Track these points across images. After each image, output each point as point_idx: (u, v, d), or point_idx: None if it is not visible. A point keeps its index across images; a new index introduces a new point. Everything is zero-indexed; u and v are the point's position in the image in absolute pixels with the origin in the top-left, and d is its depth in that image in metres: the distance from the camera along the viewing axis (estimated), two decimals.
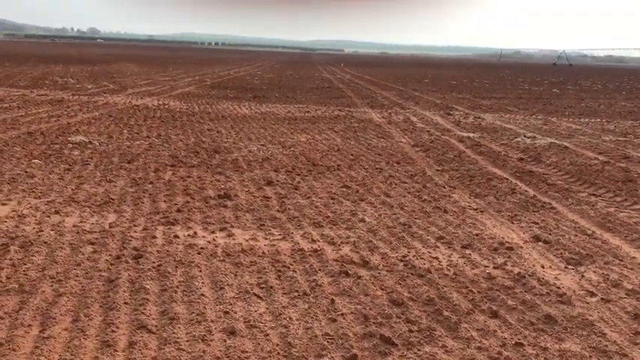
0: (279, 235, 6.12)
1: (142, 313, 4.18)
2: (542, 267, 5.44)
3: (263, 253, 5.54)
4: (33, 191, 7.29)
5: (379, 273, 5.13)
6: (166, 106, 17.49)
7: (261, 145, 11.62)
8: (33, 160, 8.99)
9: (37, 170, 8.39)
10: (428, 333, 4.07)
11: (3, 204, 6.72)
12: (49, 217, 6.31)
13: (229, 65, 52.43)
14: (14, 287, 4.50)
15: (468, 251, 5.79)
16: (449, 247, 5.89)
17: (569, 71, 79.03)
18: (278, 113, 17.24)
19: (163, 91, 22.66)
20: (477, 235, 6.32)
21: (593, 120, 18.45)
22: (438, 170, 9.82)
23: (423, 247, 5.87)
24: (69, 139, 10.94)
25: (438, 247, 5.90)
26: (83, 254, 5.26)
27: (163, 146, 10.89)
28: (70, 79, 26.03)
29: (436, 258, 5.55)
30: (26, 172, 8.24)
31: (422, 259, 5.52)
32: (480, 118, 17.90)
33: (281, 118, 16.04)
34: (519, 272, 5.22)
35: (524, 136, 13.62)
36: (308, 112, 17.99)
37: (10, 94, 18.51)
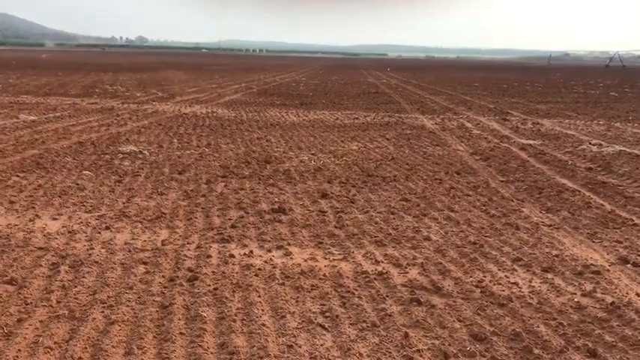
0: (339, 254, 5.70)
1: (200, 345, 3.82)
2: (638, 295, 4.85)
3: (324, 275, 5.14)
4: (84, 205, 7.09)
5: (454, 301, 4.65)
6: (215, 114, 17.35)
7: (312, 154, 11.25)
8: (84, 172, 8.85)
9: (88, 182, 8.23)
10: None
11: (54, 218, 6.52)
12: (99, 233, 6.07)
13: (274, 72, 52.50)
14: (64, 313, 4.22)
15: (549, 275, 5.24)
16: (528, 271, 5.35)
17: (624, 73, 76.10)
18: (326, 120, 16.88)
19: (211, 99, 22.63)
20: (556, 256, 5.76)
21: None
22: (502, 181, 9.24)
23: (499, 270, 5.35)
24: (119, 149, 10.82)
25: (516, 270, 5.37)
26: (135, 275, 4.96)
27: (214, 156, 10.65)
28: (120, 87, 26.34)
29: (515, 283, 5.03)
30: (77, 184, 8.08)
31: (500, 284, 5.01)
32: (538, 123, 17.09)
33: (330, 126, 15.67)
34: (613, 301, 4.65)
35: (590, 144, 12.83)
36: (357, 118, 17.57)
37: (62, 103, 18.73)
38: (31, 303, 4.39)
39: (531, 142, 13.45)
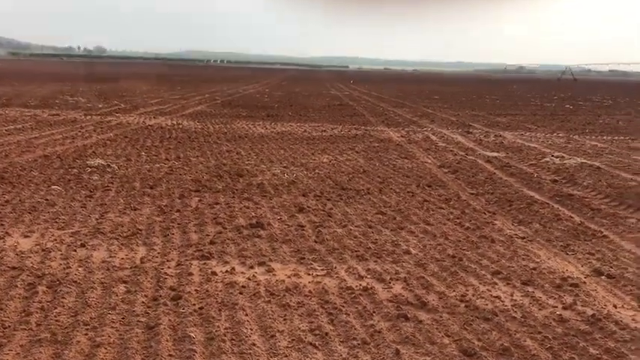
0: (322, 270, 5.69)
1: None
2: (615, 307, 5.00)
3: (309, 292, 5.12)
4: (55, 221, 6.89)
5: (441, 316, 4.69)
6: (181, 126, 17.15)
7: (284, 167, 11.23)
8: (52, 187, 8.61)
9: (58, 197, 8.00)
10: None
11: (25, 236, 6.32)
12: (75, 251, 5.91)
13: (237, 83, 52.28)
14: (46, 337, 4.08)
15: (529, 288, 5.35)
16: (508, 284, 5.45)
17: (576, 86, 78.67)
18: (294, 133, 16.89)
19: (175, 110, 22.37)
20: (534, 269, 5.88)
21: (616, 138, 18.02)
22: (472, 194, 9.40)
23: (480, 283, 5.43)
24: (87, 162, 10.57)
25: (497, 283, 5.46)
26: (117, 295, 4.84)
27: (184, 169, 10.51)
28: (81, 99, 25.78)
29: (498, 297, 5.11)
30: (46, 199, 7.85)
31: (482, 298, 5.09)
32: (500, 136, 17.49)
33: (298, 138, 15.68)
34: (593, 314, 4.77)
35: (552, 156, 13.19)
36: (325, 131, 17.64)
37: (23, 115, 18.21)
38: (10, 327, 4.23)
39: (496, 154, 13.74)
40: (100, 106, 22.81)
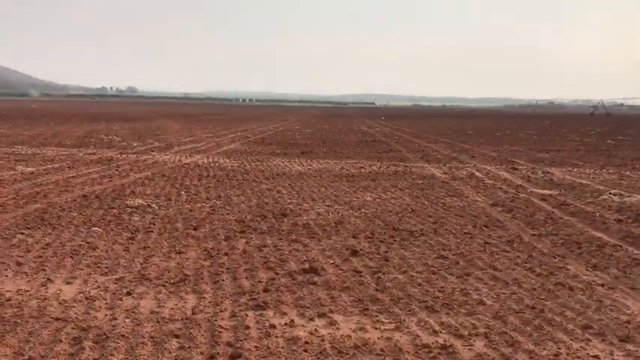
0: (390, 323, 5.14)
1: None
2: None
3: (381, 350, 4.57)
4: (98, 266, 6.50)
5: None
6: (217, 164, 16.89)
7: (328, 205, 10.76)
8: (93, 228, 8.26)
9: (99, 240, 7.64)
10: None
11: (68, 282, 5.92)
12: (120, 299, 5.48)
13: (265, 121, 52.49)
14: None
15: (630, 346, 4.71)
16: (603, 341, 4.82)
17: (610, 121, 77.28)
18: (332, 170, 16.48)
19: (210, 148, 22.22)
20: (627, 322, 5.24)
21: None
22: (534, 235, 8.76)
23: (572, 340, 4.81)
24: (126, 202, 10.25)
25: (590, 340, 4.84)
26: (169, 352, 4.37)
27: (226, 209, 10.11)
28: (115, 137, 25.91)
29: (597, 357, 4.49)
30: (88, 242, 7.49)
31: (579, 358, 4.47)
32: (548, 172, 16.79)
33: (337, 175, 15.25)
34: None
35: (610, 194, 12.47)
36: (363, 168, 17.20)
37: (59, 154, 18.20)
38: None
39: (548, 192, 13.07)
40: (135, 144, 22.81)
